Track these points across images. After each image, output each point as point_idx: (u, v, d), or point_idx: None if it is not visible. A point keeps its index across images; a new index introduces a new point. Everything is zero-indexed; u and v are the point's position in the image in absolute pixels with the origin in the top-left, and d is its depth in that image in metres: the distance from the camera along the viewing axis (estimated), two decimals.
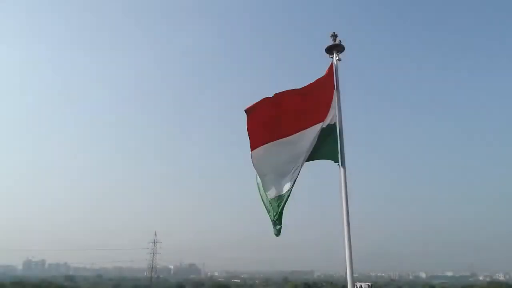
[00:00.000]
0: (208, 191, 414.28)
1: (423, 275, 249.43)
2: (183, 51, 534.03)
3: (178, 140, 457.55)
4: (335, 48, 7.56)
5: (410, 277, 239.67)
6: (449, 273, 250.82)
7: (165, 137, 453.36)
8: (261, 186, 6.97)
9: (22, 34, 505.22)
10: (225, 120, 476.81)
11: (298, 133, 7.02)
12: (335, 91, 7.38)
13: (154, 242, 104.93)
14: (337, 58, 7.53)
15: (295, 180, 6.77)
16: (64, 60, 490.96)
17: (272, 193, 6.78)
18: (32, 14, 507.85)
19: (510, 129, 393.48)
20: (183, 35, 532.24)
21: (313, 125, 7.10)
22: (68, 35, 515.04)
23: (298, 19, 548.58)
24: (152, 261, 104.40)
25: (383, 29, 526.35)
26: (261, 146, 6.77)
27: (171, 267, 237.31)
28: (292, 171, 6.79)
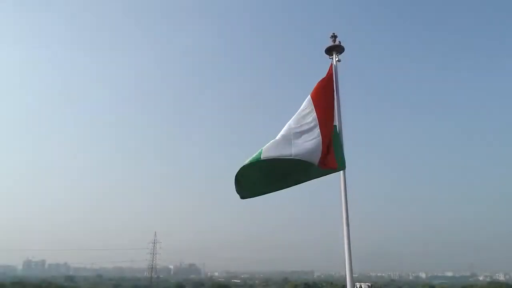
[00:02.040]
0: (208, 191, 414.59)
1: (423, 275, 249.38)
2: (183, 51, 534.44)
3: (178, 140, 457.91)
4: (335, 49, 7.51)
5: (410, 277, 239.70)
6: (449, 273, 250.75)
7: (165, 137, 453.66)
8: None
9: (22, 34, 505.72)
10: (225, 120, 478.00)
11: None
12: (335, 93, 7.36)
13: (154, 242, 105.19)
14: (336, 59, 7.49)
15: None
16: (64, 60, 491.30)
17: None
18: (32, 14, 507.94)
19: (510, 129, 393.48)
20: (183, 35, 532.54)
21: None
22: (68, 35, 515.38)
23: (298, 19, 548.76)
24: (152, 261, 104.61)
25: (383, 29, 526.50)
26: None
27: (171, 267, 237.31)
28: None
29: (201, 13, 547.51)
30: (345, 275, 6.22)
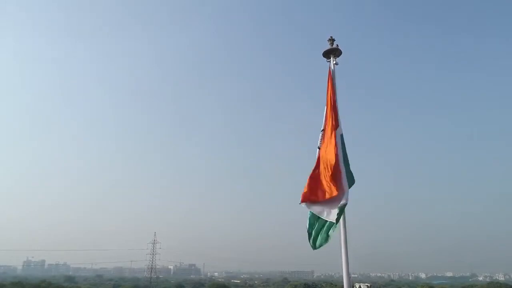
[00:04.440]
0: (208, 191, 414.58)
1: (423, 275, 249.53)
2: (183, 51, 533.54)
3: (178, 140, 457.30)
4: (332, 52, 7.59)
5: (410, 278, 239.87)
6: (449, 273, 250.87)
7: (165, 137, 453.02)
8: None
9: (22, 33, 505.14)
10: (225, 120, 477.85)
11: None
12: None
13: (154, 243, 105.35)
14: (334, 62, 7.57)
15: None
16: (64, 60, 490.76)
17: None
18: (32, 14, 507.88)
19: (510, 129, 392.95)
20: (183, 35, 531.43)
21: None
22: (69, 35, 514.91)
23: (298, 20, 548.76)
24: (152, 262, 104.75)
25: (382, 29, 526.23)
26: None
27: (171, 267, 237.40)
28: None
29: (201, 13, 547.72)
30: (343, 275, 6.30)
